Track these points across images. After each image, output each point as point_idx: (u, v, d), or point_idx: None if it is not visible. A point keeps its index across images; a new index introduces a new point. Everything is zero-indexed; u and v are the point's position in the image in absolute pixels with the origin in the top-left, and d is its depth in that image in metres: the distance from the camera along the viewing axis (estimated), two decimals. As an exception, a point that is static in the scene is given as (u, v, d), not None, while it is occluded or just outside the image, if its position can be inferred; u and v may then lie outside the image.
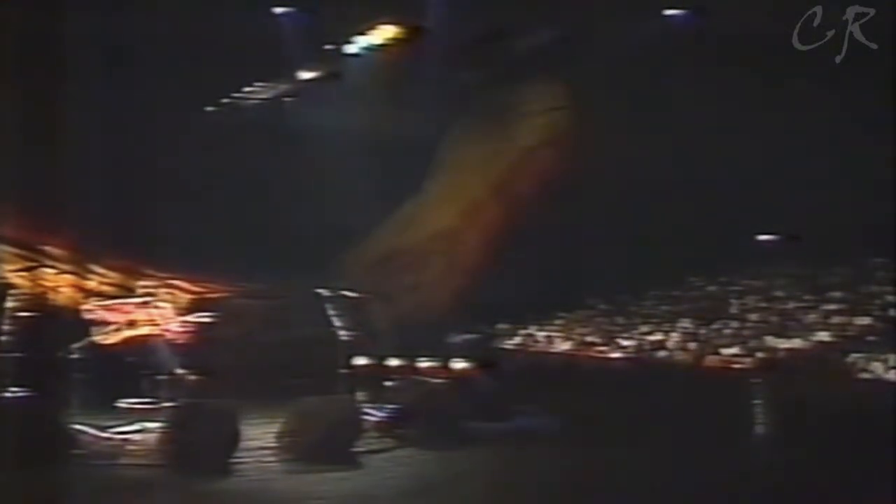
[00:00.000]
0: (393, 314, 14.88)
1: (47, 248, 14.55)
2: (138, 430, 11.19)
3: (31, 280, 13.84)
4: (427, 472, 11.06)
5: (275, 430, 11.47)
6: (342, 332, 12.41)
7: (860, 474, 10.04)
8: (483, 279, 16.56)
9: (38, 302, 13.53)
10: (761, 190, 15.09)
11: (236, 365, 13.45)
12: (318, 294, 12.63)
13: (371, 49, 15.72)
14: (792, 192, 14.63)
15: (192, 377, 11.44)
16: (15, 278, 13.64)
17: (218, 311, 13.00)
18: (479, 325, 16.03)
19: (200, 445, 10.61)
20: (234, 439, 10.89)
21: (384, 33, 15.47)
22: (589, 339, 16.34)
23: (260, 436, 11.56)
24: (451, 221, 17.17)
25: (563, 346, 16.38)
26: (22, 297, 12.41)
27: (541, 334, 16.81)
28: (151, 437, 11.01)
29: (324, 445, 11.16)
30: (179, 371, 11.44)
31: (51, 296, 14.11)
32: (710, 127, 15.19)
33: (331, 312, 12.46)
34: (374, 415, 12.25)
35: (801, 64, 13.13)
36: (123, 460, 10.86)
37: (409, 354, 13.84)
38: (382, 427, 12.17)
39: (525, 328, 16.89)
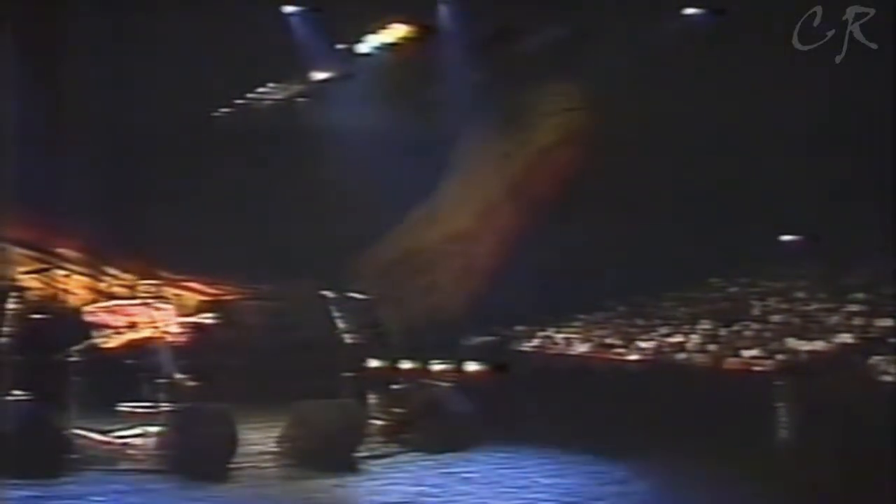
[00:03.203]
0: (404, 316, 14.76)
1: (57, 250, 14.61)
2: (139, 434, 11.14)
3: (40, 282, 13.89)
4: (430, 478, 10.95)
5: (277, 435, 11.40)
6: (348, 335, 12.26)
7: (881, 477, 9.85)
8: (499, 281, 16.38)
9: (46, 304, 13.58)
10: (782, 190, 14.82)
11: (239, 368, 13.43)
12: (325, 296, 12.48)
13: (383, 49, 15.61)
14: (813, 191, 14.36)
15: (194, 381, 11.31)
16: (24, 280, 13.69)
17: (222, 313, 12.97)
18: (496, 327, 15.84)
19: (200, 450, 10.55)
20: (233, 444, 10.80)
21: (396, 32, 15.35)
22: (608, 341, 16.08)
23: (262, 440, 11.50)
24: (466, 222, 17.03)
25: (582, 348, 16.12)
26: (29, 299, 12.42)
27: (559, 336, 16.57)
28: (152, 441, 10.95)
29: (325, 450, 11.06)
30: (181, 374, 11.32)
31: (59, 298, 14.15)
32: (730, 126, 14.95)
33: (337, 315, 12.31)
34: (378, 419, 12.14)
35: (819, 63, 12.91)
36: (124, 465, 10.84)
37: (420, 357, 13.71)
38: (386, 432, 12.05)
39: (543, 330, 16.65)
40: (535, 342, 16.48)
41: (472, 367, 13.93)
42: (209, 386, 11.38)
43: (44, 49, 14.10)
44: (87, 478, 10.35)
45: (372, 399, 12.47)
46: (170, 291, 13.35)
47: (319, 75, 16.07)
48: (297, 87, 16.60)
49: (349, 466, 11.06)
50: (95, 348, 11.51)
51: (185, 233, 14.81)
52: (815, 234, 14.58)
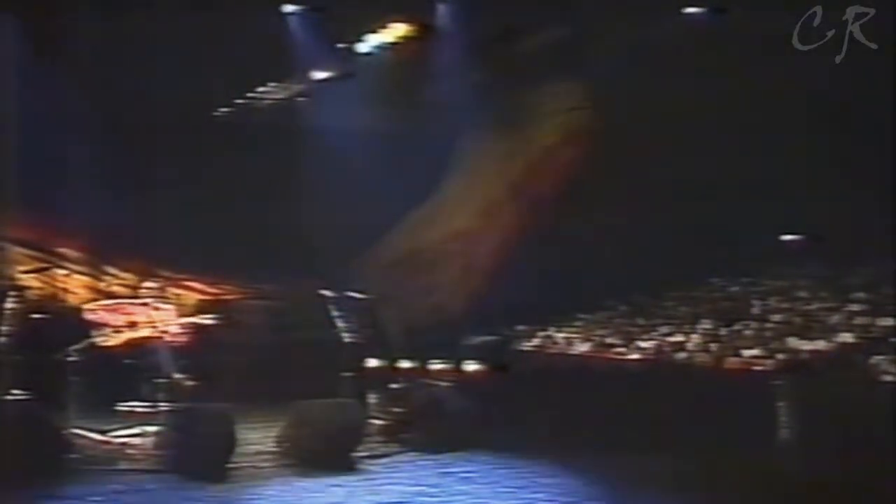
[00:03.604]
0: (404, 316, 14.74)
1: (57, 249, 14.61)
2: (138, 434, 11.13)
3: (40, 281, 13.88)
4: (430, 477, 10.94)
5: (275, 435, 11.39)
6: (347, 335, 12.25)
7: (881, 477, 9.86)
8: (501, 280, 16.36)
9: (46, 303, 13.57)
10: (783, 189, 14.79)
11: (239, 368, 13.42)
12: (325, 296, 12.47)
13: (383, 48, 15.59)
14: (814, 191, 14.33)
15: (193, 380, 11.31)
16: (24, 280, 13.69)
17: (222, 313, 12.97)
18: (497, 326, 15.82)
19: (199, 450, 10.54)
20: (233, 443, 10.79)
21: (395, 32, 15.34)
22: (608, 340, 16.05)
23: (261, 440, 11.49)
24: (467, 222, 17.03)
25: (582, 347, 16.11)
26: (29, 298, 12.41)
27: (560, 336, 16.56)
28: (151, 441, 10.95)
29: (325, 450, 11.05)
30: (181, 374, 11.32)
31: (59, 297, 14.15)
32: (731, 125, 14.92)
33: (336, 314, 12.30)
34: (378, 419, 12.13)
35: (819, 63, 12.89)
36: (123, 465, 10.83)
37: (420, 357, 13.70)
38: (386, 431, 12.04)
39: (543, 330, 16.64)
40: (536, 342, 16.47)
41: (472, 367, 13.93)
42: (209, 386, 11.38)
43: (44, 49, 14.11)
44: (86, 478, 10.35)
45: (372, 399, 12.46)
46: (170, 291, 13.35)
47: (319, 75, 16.06)
48: (297, 87, 16.60)
49: (349, 466, 11.06)
50: (95, 347, 11.51)
51: (186, 232, 14.83)
52: (817, 234, 14.53)
